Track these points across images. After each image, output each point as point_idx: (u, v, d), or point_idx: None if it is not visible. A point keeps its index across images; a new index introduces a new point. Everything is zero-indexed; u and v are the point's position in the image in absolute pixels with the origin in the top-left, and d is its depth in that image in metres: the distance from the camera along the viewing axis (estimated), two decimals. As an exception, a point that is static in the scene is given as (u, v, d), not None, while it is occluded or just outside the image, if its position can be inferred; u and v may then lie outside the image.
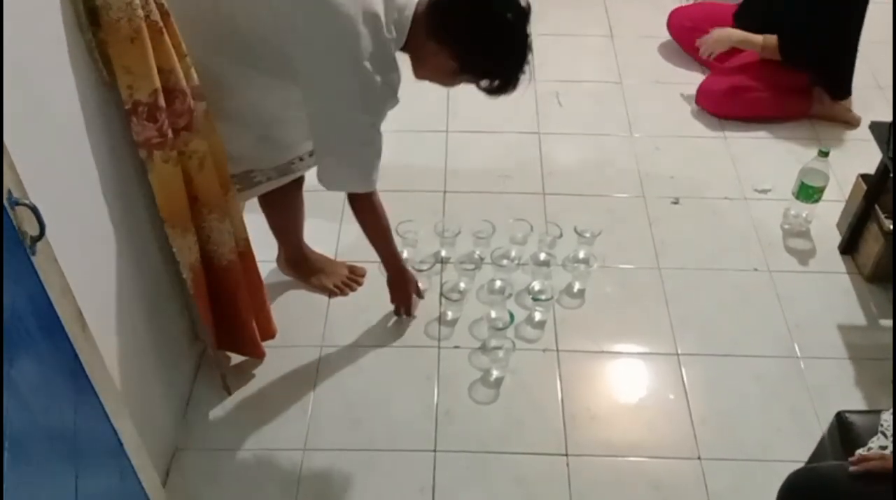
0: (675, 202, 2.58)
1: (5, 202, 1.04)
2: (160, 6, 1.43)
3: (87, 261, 1.43)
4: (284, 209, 2.13)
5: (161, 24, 1.42)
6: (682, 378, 2.07)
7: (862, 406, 1.99)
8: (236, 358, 2.07)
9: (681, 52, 3.19)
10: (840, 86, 2.86)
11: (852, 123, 2.87)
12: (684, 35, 3.14)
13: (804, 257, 2.42)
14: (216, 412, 1.97)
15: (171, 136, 1.52)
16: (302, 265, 2.26)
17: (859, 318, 2.23)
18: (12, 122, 1.12)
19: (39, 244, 1.12)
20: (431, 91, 2.88)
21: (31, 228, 1.10)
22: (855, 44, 2.79)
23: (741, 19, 2.96)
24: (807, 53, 2.78)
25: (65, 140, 1.37)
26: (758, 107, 2.86)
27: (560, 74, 3.09)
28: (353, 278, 2.29)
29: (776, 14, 2.79)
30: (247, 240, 1.86)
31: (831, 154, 2.40)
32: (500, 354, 2.04)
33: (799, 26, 2.72)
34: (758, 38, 2.79)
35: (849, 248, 2.40)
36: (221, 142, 1.68)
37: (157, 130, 1.48)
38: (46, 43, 1.30)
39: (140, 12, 1.36)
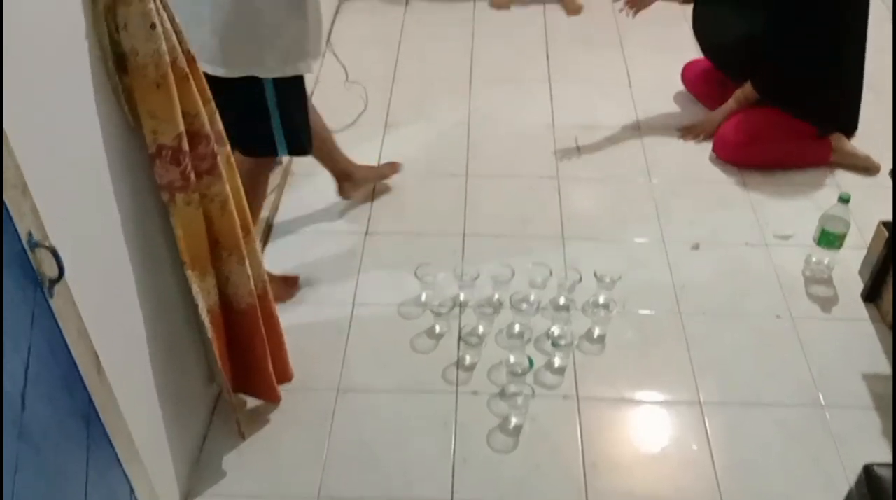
0: (695, 248, 2.56)
1: (25, 245, 1.04)
2: (186, 52, 1.45)
3: (105, 303, 1.43)
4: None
5: (187, 70, 1.44)
6: (705, 427, 2.03)
7: (888, 457, 1.94)
8: (252, 402, 2.05)
9: (696, 102, 3.20)
10: (829, 121, 2.84)
11: (872, 169, 2.85)
12: (698, 87, 3.17)
13: (827, 304, 2.38)
14: (230, 458, 1.95)
15: (194, 179, 1.53)
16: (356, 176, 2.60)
17: (884, 366, 2.19)
18: (37, 164, 1.12)
19: (58, 287, 1.12)
20: (451, 134, 2.92)
21: (51, 271, 1.10)
22: (845, 75, 2.78)
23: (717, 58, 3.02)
24: (783, 87, 2.81)
25: (88, 182, 1.38)
26: (775, 156, 2.85)
27: (579, 120, 3.11)
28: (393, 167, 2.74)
29: (746, 50, 2.86)
30: (265, 282, 1.86)
31: (852, 200, 2.38)
32: (519, 400, 2.01)
33: (773, 59, 2.77)
34: (737, 93, 2.89)
35: (872, 295, 2.36)
36: (242, 186, 1.69)
37: (181, 173, 1.49)
38: (73, 87, 1.31)
39: (167, 58, 1.38)
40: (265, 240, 2.54)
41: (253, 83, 1.99)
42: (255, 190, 2.20)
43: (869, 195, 2.70)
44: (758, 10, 2.78)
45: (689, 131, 3.04)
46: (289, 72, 2.01)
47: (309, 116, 2.20)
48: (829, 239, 2.40)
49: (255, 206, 2.26)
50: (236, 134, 2.04)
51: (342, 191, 2.65)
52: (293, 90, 2.09)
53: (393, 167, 2.77)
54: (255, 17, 1.91)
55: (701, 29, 2.97)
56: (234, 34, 1.92)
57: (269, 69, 1.99)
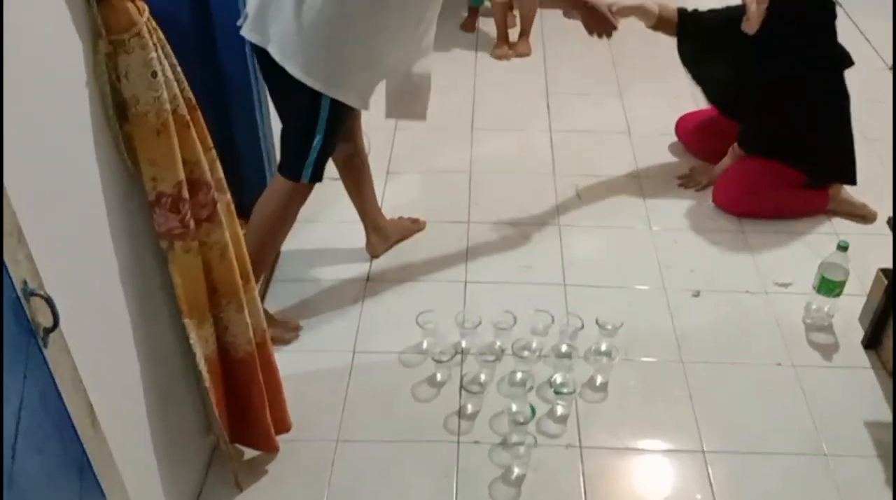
0: (696, 295, 2.55)
1: (20, 293, 1.03)
2: (188, 100, 1.46)
3: (100, 352, 1.41)
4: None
5: (188, 117, 1.45)
6: (709, 476, 1.99)
7: (896, 508, 1.91)
8: (249, 452, 2.02)
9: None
10: (818, 173, 2.84)
11: (869, 218, 2.86)
12: (692, 140, 3.20)
13: (828, 351, 2.36)
14: (227, 510, 1.91)
15: (194, 227, 1.53)
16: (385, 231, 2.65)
17: (886, 414, 2.16)
18: (33, 211, 1.12)
19: (52, 336, 1.11)
20: (453, 181, 2.94)
21: (45, 320, 1.09)
22: (828, 128, 2.80)
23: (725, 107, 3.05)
24: (766, 143, 2.83)
25: (85, 230, 1.38)
26: (773, 206, 2.86)
27: (579, 168, 3.13)
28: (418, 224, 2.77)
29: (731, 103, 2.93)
30: (264, 331, 1.84)
31: (850, 248, 2.38)
32: (522, 450, 1.98)
33: (753, 115, 2.82)
34: (732, 150, 2.91)
35: (872, 342, 2.34)
36: (241, 233, 1.69)
37: (180, 220, 1.49)
38: (73, 134, 1.32)
39: (168, 107, 1.39)
40: (266, 285, 2.53)
41: (315, 95, 2.01)
42: (284, 218, 2.23)
43: (867, 243, 2.69)
44: (730, 58, 2.83)
45: (688, 180, 3.05)
46: (352, 100, 2.05)
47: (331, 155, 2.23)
48: (829, 287, 2.39)
49: (280, 235, 2.28)
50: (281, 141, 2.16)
51: (369, 246, 2.66)
52: (343, 119, 2.12)
53: (419, 224, 2.78)
54: (348, 34, 1.95)
55: (688, 64, 3.00)
56: (324, 44, 1.95)
57: (340, 89, 2.02)
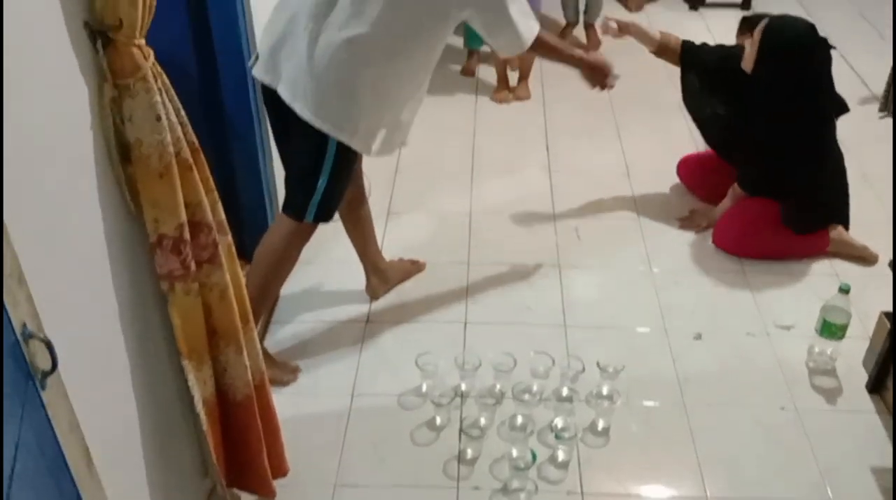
0: (698, 337, 2.54)
1: (19, 336, 1.03)
2: (191, 143, 1.46)
3: (98, 394, 1.40)
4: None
5: (191, 160, 1.45)
6: (713, 525, 1.97)
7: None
8: (246, 497, 1.99)
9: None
10: (807, 218, 2.84)
11: (869, 260, 2.86)
12: (693, 181, 3.22)
13: (831, 395, 2.34)
14: (222, 555, 1.88)
15: (194, 268, 1.53)
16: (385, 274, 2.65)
17: (891, 460, 2.13)
18: (35, 253, 1.12)
19: (50, 379, 1.10)
20: (453, 222, 2.94)
21: (44, 363, 1.08)
22: (824, 172, 2.81)
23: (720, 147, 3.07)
24: (764, 185, 2.85)
25: (86, 271, 1.37)
26: (774, 247, 2.86)
27: (579, 209, 3.14)
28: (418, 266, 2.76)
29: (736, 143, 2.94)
30: (263, 373, 1.83)
31: (852, 290, 2.37)
32: (522, 496, 1.95)
33: (750, 157, 2.85)
34: (732, 190, 2.94)
35: (877, 386, 2.32)
36: (241, 274, 1.69)
37: (181, 262, 1.49)
38: (76, 176, 1.32)
39: (171, 149, 1.39)
40: (265, 326, 2.52)
41: (322, 138, 2.04)
42: (286, 258, 2.23)
43: (868, 285, 2.69)
44: (727, 96, 2.87)
45: (688, 221, 3.06)
46: (358, 145, 2.08)
47: (343, 196, 2.24)
48: (831, 330, 2.38)
49: (282, 275, 2.27)
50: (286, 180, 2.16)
51: (371, 288, 2.65)
52: (348, 162, 2.13)
53: (418, 266, 2.78)
54: (358, 79, 1.98)
55: (688, 100, 3.04)
56: (335, 87, 1.98)
57: (347, 133, 2.04)
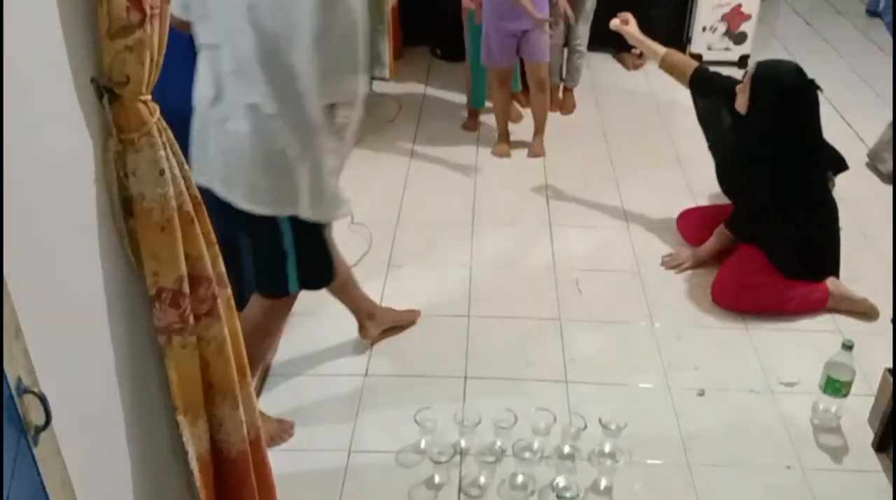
0: (701, 394, 2.51)
1: (13, 390, 1.01)
2: (194, 197, 1.46)
3: (91, 449, 1.37)
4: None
5: (193, 214, 1.45)
6: (719, 589, 1.91)
7: None
8: (240, 556, 1.94)
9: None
10: (794, 261, 2.85)
11: (870, 314, 2.84)
12: (693, 235, 3.23)
13: (837, 454, 2.31)
14: None
15: (192, 322, 1.51)
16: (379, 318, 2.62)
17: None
18: (33, 307, 1.11)
19: (43, 434, 1.08)
20: (453, 275, 2.93)
21: (37, 418, 1.06)
22: (815, 222, 2.84)
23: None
24: (752, 231, 2.89)
25: (84, 324, 1.36)
26: (774, 302, 2.85)
27: (579, 262, 3.14)
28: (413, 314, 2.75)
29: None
30: (258, 429, 1.80)
31: (856, 347, 2.35)
32: (522, 558, 1.90)
33: (741, 200, 2.93)
34: (718, 230, 3.00)
35: (883, 445, 2.29)
36: (240, 327, 1.67)
37: (179, 315, 1.48)
38: (77, 230, 1.32)
39: (173, 203, 1.39)
40: (262, 381, 2.49)
41: (269, 221, 1.98)
42: (267, 331, 2.18)
43: (871, 341, 2.67)
44: (730, 130, 2.92)
45: (671, 261, 3.10)
46: (303, 214, 1.98)
47: (330, 255, 2.17)
48: (836, 387, 2.35)
49: (264, 347, 2.22)
50: (252, 269, 2.06)
51: (364, 331, 2.63)
52: (311, 231, 2.05)
53: (413, 314, 2.77)
54: (276, 157, 1.90)
55: (702, 124, 3.12)
56: (258, 170, 1.91)
57: (288, 203, 1.95)
